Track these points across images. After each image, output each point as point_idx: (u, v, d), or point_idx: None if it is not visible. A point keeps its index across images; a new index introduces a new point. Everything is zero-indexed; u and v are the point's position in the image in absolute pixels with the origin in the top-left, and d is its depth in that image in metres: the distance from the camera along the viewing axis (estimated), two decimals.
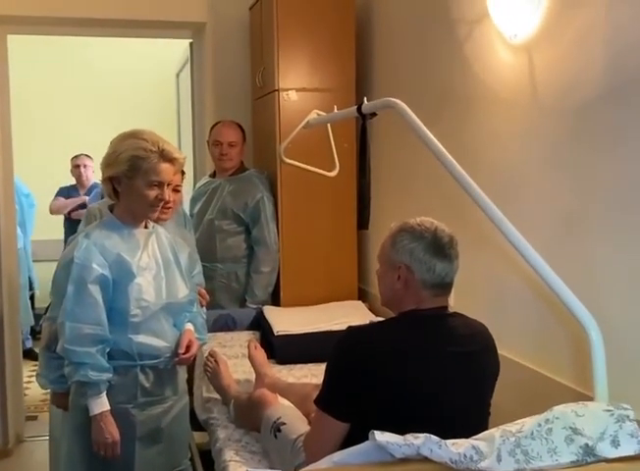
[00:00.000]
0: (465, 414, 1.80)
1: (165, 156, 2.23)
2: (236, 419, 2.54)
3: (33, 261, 5.92)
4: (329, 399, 1.84)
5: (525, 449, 1.52)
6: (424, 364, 1.78)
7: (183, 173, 2.82)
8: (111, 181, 2.27)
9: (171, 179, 2.29)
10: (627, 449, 1.55)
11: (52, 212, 5.72)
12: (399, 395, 1.75)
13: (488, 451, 1.50)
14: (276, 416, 2.27)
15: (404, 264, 1.84)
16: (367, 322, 3.26)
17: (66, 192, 5.76)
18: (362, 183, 2.44)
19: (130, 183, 2.23)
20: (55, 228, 5.68)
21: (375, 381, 1.75)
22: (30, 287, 5.89)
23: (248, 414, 2.46)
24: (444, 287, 1.86)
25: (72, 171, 5.76)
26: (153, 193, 2.24)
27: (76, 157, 5.74)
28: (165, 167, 2.23)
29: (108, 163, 2.26)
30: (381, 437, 1.52)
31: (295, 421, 2.26)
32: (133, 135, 2.25)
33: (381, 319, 3.35)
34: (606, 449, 1.55)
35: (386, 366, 1.76)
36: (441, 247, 1.83)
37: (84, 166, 5.72)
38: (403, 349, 1.79)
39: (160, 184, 2.24)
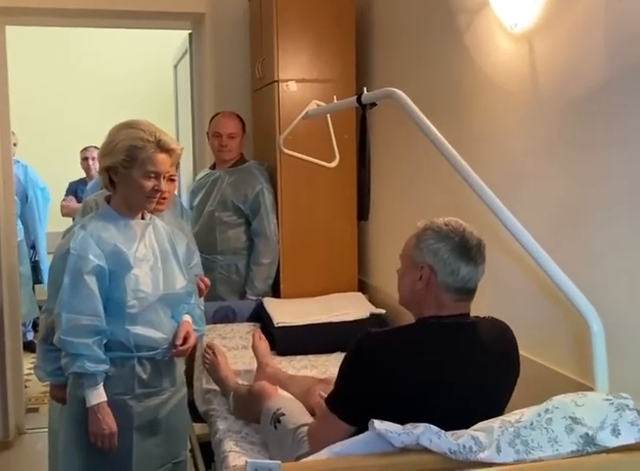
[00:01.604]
0: (481, 421, 1.73)
1: (162, 146, 2.22)
2: (235, 411, 2.54)
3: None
4: (339, 401, 1.80)
5: (525, 440, 1.52)
6: (441, 373, 1.73)
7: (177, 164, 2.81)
8: (108, 171, 2.26)
9: (168, 170, 2.28)
10: (628, 438, 1.54)
11: (63, 214, 5.61)
12: (412, 404, 1.69)
13: (487, 442, 1.50)
14: (276, 407, 2.27)
15: (428, 264, 1.78)
16: (367, 314, 3.31)
17: (75, 188, 5.70)
18: (362, 174, 2.41)
19: (126, 172, 2.22)
20: (66, 220, 5.62)
21: (388, 388, 1.70)
22: (40, 280, 5.86)
23: (248, 406, 2.45)
24: (466, 292, 1.80)
25: (81, 163, 5.70)
26: (150, 184, 2.23)
27: (84, 149, 5.67)
28: (162, 157, 2.23)
29: (105, 153, 2.25)
30: (380, 425, 1.51)
31: (296, 412, 2.26)
32: (131, 125, 2.25)
33: (382, 311, 3.37)
34: (606, 438, 1.54)
35: (401, 373, 1.70)
36: (467, 250, 1.77)
37: (93, 158, 5.60)
38: (420, 357, 1.73)
39: (157, 175, 2.23)
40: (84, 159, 5.67)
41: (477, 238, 1.80)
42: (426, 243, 1.79)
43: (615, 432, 1.55)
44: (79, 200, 5.57)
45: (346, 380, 1.80)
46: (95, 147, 5.60)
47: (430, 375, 1.71)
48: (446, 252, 1.76)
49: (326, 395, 2.12)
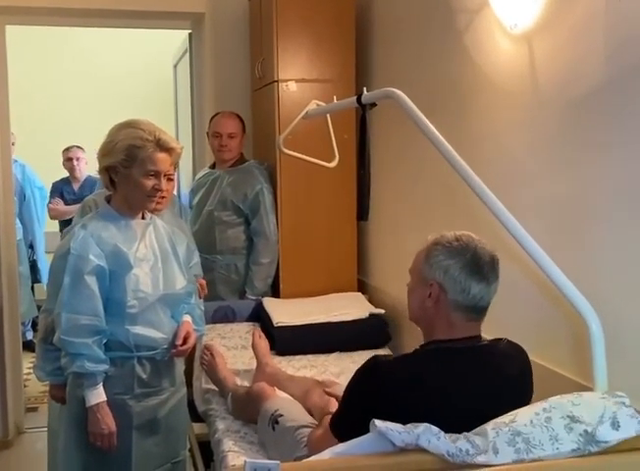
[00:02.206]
0: None
1: (161, 146, 2.22)
2: (233, 412, 2.54)
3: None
4: (341, 425, 1.75)
5: (527, 438, 1.51)
6: (447, 401, 1.65)
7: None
8: (108, 170, 2.26)
9: (168, 169, 2.27)
10: (628, 430, 1.54)
11: (52, 218, 5.59)
12: None
13: (483, 446, 1.49)
14: (274, 409, 2.27)
15: (437, 282, 1.71)
16: (367, 314, 3.30)
17: (60, 188, 5.62)
18: (362, 174, 2.41)
19: (126, 172, 2.22)
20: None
21: (392, 417, 1.60)
22: (38, 279, 5.85)
23: (246, 407, 2.46)
24: (477, 311, 1.73)
25: (64, 164, 5.61)
26: (150, 183, 2.23)
27: (67, 149, 5.59)
28: (162, 156, 2.22)
29: (104, 152, 2.25)
30: (381, 423, 1.51)
31: (294, 412, 2.27)
32: (130, 125, 2.25)
33: (382, 311, 3.37)
34: (607, 433, 1.53)
35: (403, 403, 1.64)
36: (479, 267, 1.70)
37: (77, 159, 5.55)
38: (425, 386, 1.65)
39: (157, 174, 2.23)
40: (68, 159, 5.58)
41: (490, 255, 1.73)
42: (436, 259, 1.72)
43: (615, 425, 1.54)
44: (65, 202, 5.54)
45: (348, 405, 1.77)
46: (78, 147, 5.55)
47: (436, 403, 1.64)
48: (456, 270, 1.69)
49: (329, 391, 2.16)
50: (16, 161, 5.22)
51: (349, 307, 3.41)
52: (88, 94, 6.59)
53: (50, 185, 5.74)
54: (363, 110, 2.39)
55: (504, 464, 1.48)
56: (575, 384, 2.01)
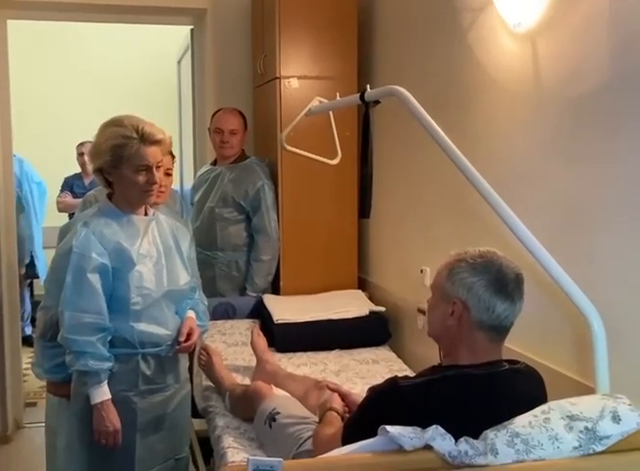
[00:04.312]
0: None
1: (146, 139, 2.20)
2: (232, 411, 2.54)
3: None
4: (350, 436, 1.69)
5: (525, 439, 1.51)
6: (468, 431, 1.55)
7: (173, 157, 2.80)
8: (101, 172, 2.26)
9: (159, 160, 2.24)
10: (630, 423, 1.54)
11: (60, 210, 5.59)
12: None
13: (483, 448, 1.49)
14: (271, 407, 2.27)
15: (460, 300, 1.67)
16: (367, 312, 3.29)
17: (71, 183, 5.65)
18: (364, 172, 2.39)
19: (117, 172, 2.22)
20: (63, 214, 5.61)
21: None
22: (35, 275, 5.84)
23: (243, 407, 2.46)
24: (500, 330, 1.69)
25: (77, 158, 5.67)
26: (142, 178, 2.21)
27: (80, 144, 5.62)
28: (149, 150, 2.20)
29: (93, 155, 2.28)
30: (393, 429, 1.49)
31: (291, 409, 2.27)
32: (113, 123, 2.24)
33: (382, 308, 3.37)
34: (607, 427, 1.53)
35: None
36: (504, 285, 1.65)
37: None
38: (446, 416, 1.58)
39: (148, 168, 2.21)
40: (80, 154, 5.61)
41: (515, 272, 1.68)
42: (459, 277, 1.67)
43: (616, 418, 1.54)
44: (75, 195, 5.55)
45: (360, 421, 1.72)
46: (91, 142, 5.55)
47: (454, 431, 1.54)
48: (480, 288, 1.65)
49: (332, 386, 2.19)
50: (14, 156, 5.22)
51: (350, 305, 3.41)
52: (91, 90, 6.55)
53: (50, 181, 5.73)
54: (366, 107, 2.39)
55: (504, 465, 1.48)
56: (577, 383, 2.01)
